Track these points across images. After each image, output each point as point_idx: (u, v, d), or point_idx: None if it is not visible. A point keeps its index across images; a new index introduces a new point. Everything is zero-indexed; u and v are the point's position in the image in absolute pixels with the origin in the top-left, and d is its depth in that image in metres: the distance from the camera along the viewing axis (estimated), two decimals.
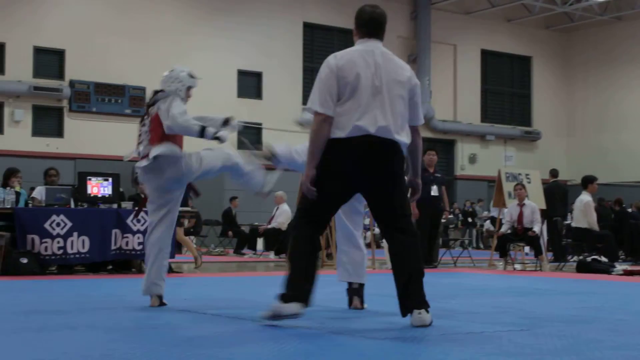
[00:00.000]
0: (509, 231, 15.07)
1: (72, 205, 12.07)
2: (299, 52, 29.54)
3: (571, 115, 35.68)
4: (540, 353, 4.64)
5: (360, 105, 5.66)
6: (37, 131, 24.88)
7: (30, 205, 12.26)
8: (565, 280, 12.28)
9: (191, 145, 7.14)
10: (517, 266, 15.51)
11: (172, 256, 12.38)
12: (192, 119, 6.94)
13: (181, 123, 6.81)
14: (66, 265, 11.76)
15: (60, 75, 25.26)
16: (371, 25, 6.04)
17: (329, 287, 7.95)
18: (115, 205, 12.19)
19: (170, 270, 12.41)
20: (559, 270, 15.03)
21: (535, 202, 15.44)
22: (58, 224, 11.39)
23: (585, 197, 15.66)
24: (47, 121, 25.16)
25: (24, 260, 10.93)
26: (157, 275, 6.96)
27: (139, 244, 11.69)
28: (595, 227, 15.67)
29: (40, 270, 11.10)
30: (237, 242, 21.53)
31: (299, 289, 5.62)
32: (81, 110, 25.05)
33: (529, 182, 16.12)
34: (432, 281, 11.20)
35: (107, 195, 12.14)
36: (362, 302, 7.04)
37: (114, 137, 23.89)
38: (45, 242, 11.28)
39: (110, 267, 12.32)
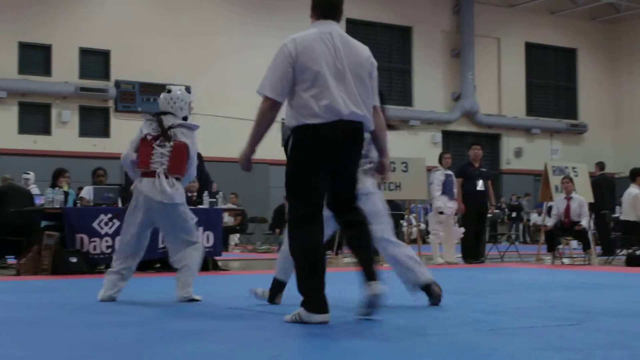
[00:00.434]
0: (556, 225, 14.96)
1: (120, 205, 12.17)
2: None
3: (618, 107, 35.27)
4: (590, 348, 4.59)
5: (327, 90, 5.54)
6: (84, 132, 25.15)
7: (78, 205, 12.39)
8: (614, 274, 12.15)
9: None
10: (565, 260, 15.38)
11: (218, 254, 12.49)
12: None
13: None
14: None
15: (105, 76, 25.51)
16: (326, 5, 5.87)
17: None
18: None
19: (217, 268, 12.49)
20: (608, 264, 14.87)
21: (583, 195, 15.30)
22: (106, 223, 11.49)
23: (634, 190, 15.47)
24: (94, 121, 25.42)
25: (74, 260, 11.05)
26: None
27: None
28: None
29: (89, 269, 11.21)
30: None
31: (321, 297, 5.58)
32: (127, 110, 25.27)
33: (576, 176, 15.97)
34: (480, 276, 11.18)
35: None
36: None
37: None
38: (94, 241, 11.39)
39: (158, 265, 12.40)
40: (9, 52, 24.37)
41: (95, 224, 11.41)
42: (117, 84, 25.42)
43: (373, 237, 5.87)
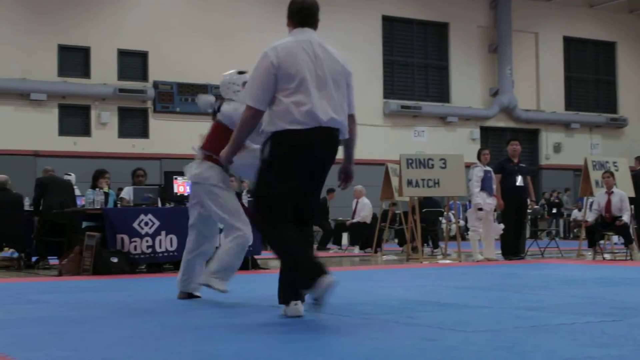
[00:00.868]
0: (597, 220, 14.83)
1: (159, 205, 12.25)
2: (378, 45, 29.50)
3: None
4: (634, 343, 4.55)
5: (309, 96, 5.60)
6: (123, 132, 25.35)
7: (118, 205, 12.48)
8: None
9: None
10: (607, 256, 15.24)
11: (258, 252, 12.52)
12: None
13: None
14: (155, 264, 11.93)
15: (144, 77, 25.70)
16: (302, 14, 5.91)
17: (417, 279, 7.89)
18: None
19: (257, 267, 12.52)
20: None
21: (624, 190, 15.15)
22: (146, 224, 11.56)
23: None
24: (133, 122, 25.62)
25: (114, 260, 11.12)
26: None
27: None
28: None
29: (130, 269, 11.28)
30: (321, 237, 21.56)
31: (315, 265, 5.45)
32: (165, 110, 25.43)
33: (617, 170, 15.81)
34: (520, 273, 11.11)
35: None
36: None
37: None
38: (135, 241, 11.46)
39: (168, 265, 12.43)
40: (49, 54, 24.62)
41: (135, 224, 11.48)
42: (155, 84, 25.60)
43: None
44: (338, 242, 20.86)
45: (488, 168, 14.51)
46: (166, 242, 11.64)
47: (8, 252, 13.77)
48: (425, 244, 17.26)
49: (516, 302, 6.84)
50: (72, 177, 16.82)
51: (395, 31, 30.22)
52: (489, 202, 14.34)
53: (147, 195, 12.24)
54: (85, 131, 25.04)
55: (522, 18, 31.90)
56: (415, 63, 30.68)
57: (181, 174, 12.55)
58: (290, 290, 5.78)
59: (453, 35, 31.11)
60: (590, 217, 15.02)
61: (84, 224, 12.02)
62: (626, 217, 14.62)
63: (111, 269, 10.98)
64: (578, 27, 33.53)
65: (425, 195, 16.18)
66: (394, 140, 28.61)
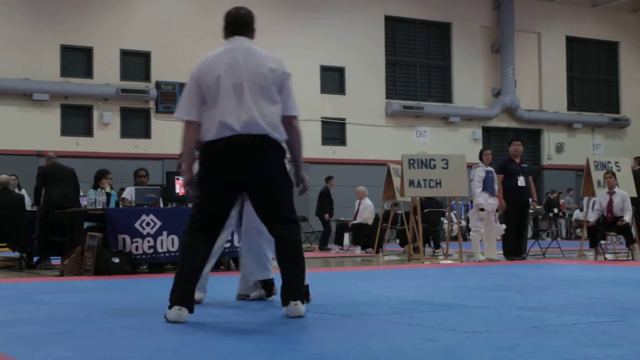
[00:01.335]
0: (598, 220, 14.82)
1: (161, 205, 12.24)
2: (381, 46, 29.50)
3: None
4: (636, 344, 4.55)
5: (223, 106, 5.69)
6: (125, 133, 25.37)
7: (120, 205, 12.48)
8: None
9: None
10: (609, 256, 15.23)
11: None
12: None
13: None
14: (157, 264, 11.94)
15: (146, 77, 25.71)
16: (235, 24, 6.08)
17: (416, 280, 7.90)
18: None
19: None
20: None
21: (626, 190, 15.13)
22: (148, 224, 11.56)
23: None
24: (135, 123, 25.63)
25: (116, 260, 11.12)
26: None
27: (227, 241, 11.75)
28: None
29: (132, 270, 11.29)
30: (321, 236, 21.51)
31: (183, 293, 5.71)
32: (167, 110, 25.42)
33: (619, 170, 15.80)
34: (521, 273, 11.11)
35: None
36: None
37: None
38: (136, 241, 11.46)
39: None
40: (52, 55, 24.63)
41: (137, 225, 11.48)
42: (158, 85, 25.61)
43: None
44: (340, 242, 20.85)
45: (490, 168, 14.50)
46: (168, 243, 11.64)
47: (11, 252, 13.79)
48: (426, 245, 17.26)
49: (517, 303, 6.84)
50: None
51: (398, 31, 30.21)
52: (491, 203, 14.33)
53: (149, 195, 12.24)
54: (88, 131, 25.05)
55: (524, 18, 31.89)
56: (417, 63, 30.67)
57: None
58: (288, 291, 5.79)
59: (455, 35, 31.09)
60: (592, 217, 15.00)
61: (86, 224, 12.02)
62: (628, 217, 14.61)
63: (113, 269, 10.98)
64: (581, 27, 33.51)
65: (427, 196, 16.18)
66: (396, 140, 28.60)
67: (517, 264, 13.38)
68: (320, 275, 11.93)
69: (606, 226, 14.80)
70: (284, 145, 5.87)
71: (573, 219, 29.32)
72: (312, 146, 27.51)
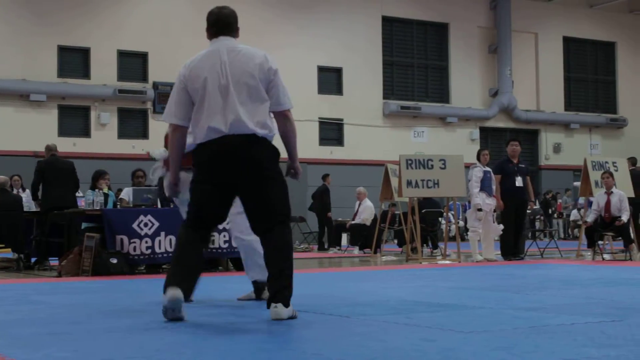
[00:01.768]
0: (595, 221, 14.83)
1: (159, 206, 12.24)
2: (378, 46, 29.51)
3: None
4: (633, 344, 4.55)
5: (210, 108, 5.72)
6: (122, 133, 25.36)
7: (118, 206, 12.47)
8: None
9: None
10: (606, 256, 15.24)
11: None
12: None
13: None
14: (154, 265, 11.93)
15: (143, 78, 25.71)
16: (218, 24, 6.11)
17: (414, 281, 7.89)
18: None
19: None
20: None
21: (623, 190, 15.15)
22: (146, 224, 11.56)
23: None
24: (132, 123, 25.63)
25: (114, 261, 11.12)
26: None
27: (225, 242, 11.78)
28: None
29: (130, 270, 11.29)
30: (328, 236, 21.46)
31: (176, 275, 5.71)
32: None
33: (616, 171, 15.81)
34: (519, 273, 11.11)
35: None
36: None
37: None
38: (134, 242, 11.45)
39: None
40: (49, 55, 24.63)
41: (135, 225, 11.48)
42: (155, 85, 25.60)
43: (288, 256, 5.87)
44: (338, 242, 20.86)
45: (487, 168, 14.51)
46: (165, 243, 11.64)
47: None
48: (424, 245, 17.26)
49: (515, 303, 6.84)
50: None
51: (395, 32, 30.22)
52: (489, 203, 14.34)
53: (147, 196, 12.23)
54: (85, 132, 25.05)
55: (521, 18, 31.92)
56: (415, 63, 30.68)
57: None
58: (269, 293, 5.79)
59: (453, 35, 31.11)
60: (590, 217, 15.01)
61: (84, 225, 12.02)
62: (625, 217, 14.62)
63: (110, 270, 10.98)
64: (578, 27, 33.55)
65: (425, 196, 16.19)
66: (394, 140, 28.62)
67: (515, 264, 13.38)
68: (318, 275, 11.94)
69: (604, 226, 14.81)
70: (274, 143, 5.87)
71: (571, 219, 29.33)
72: (309, 146, 27.55)
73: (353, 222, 19.87)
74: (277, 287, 5.69)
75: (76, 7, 24.88)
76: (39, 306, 7.26)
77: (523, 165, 15.00)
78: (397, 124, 29.72)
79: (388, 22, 29.92)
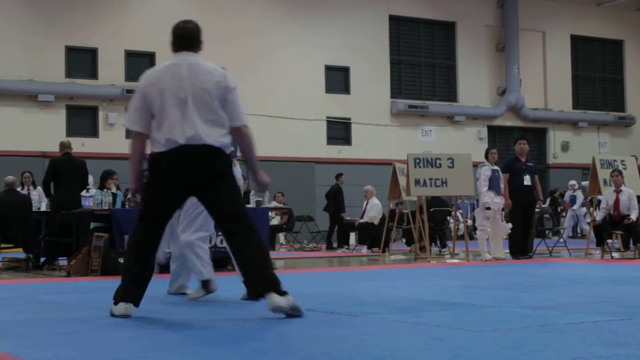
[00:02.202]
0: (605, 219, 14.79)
1: None
2: (385, 45, 29.49)
3: None
4: None
5: (168, 120, 5.93)
6: (130, 133, 25.34)
7: (126, 206, 12.48)
8: None
9: None
10: (615, 254, 15.21)
11: None
12: None
13: None
14: (162, 264, 11.90)
15: None
16: (182, 40, 6.30)
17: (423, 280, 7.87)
18: None
19: None
20: None
21: (632, 188, 15.11)
22: None
23: None
24: None
25: (122, 260, 11.12)
26: None
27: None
28: None
29: None
30: (338, 235, 21.43)
31: (130, 290, 6.15)
32: None
33: (625, 169, 15.78)
34: (528, 272, 11.09)
35: None
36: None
37: None
38: None
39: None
40: (56, 56, 24.68)
41: None
42: None
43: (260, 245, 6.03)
44: (346, 241, 20.84)
45: (496, 167, 14.50)
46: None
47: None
48: (433, 244, 17.25)
49: (524, 302, 6.83)
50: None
51: (402, 31, 30.20)
52: (497, 202, 14.33)
53: None
54: (93, 132, 25.10)
55: (529, 17, 31.86)
56: (422, 62, 30.65)
57: None
58: (250, 286, 6.08)
59: (460, 34, 31.08)
60: (599, 216, 14.98)
61: (92, 225, 12.03)
62: (634, 216, 14.58)
63: (119, 270, 10.93)
64: (585, 25, 33.47)
65: (433, 195, 16.16)
66: (402, 139, 28.60)
67: (524, 263, 13.37)
68: (327, 274, 11.94)
69: (613, 225, 14.78)
70: (227, 151, 6.08)
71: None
72: (317, 146, 27.57)
73: (361, 220, 19.85)
74: (252, 277, 5.92)
75: (83, 7, 24.92)
76: (48, 306, 7.28)
77: (531, 164, 14.98)
78: (405, 123, 29.70)
79: (395, 21, 29.89)
